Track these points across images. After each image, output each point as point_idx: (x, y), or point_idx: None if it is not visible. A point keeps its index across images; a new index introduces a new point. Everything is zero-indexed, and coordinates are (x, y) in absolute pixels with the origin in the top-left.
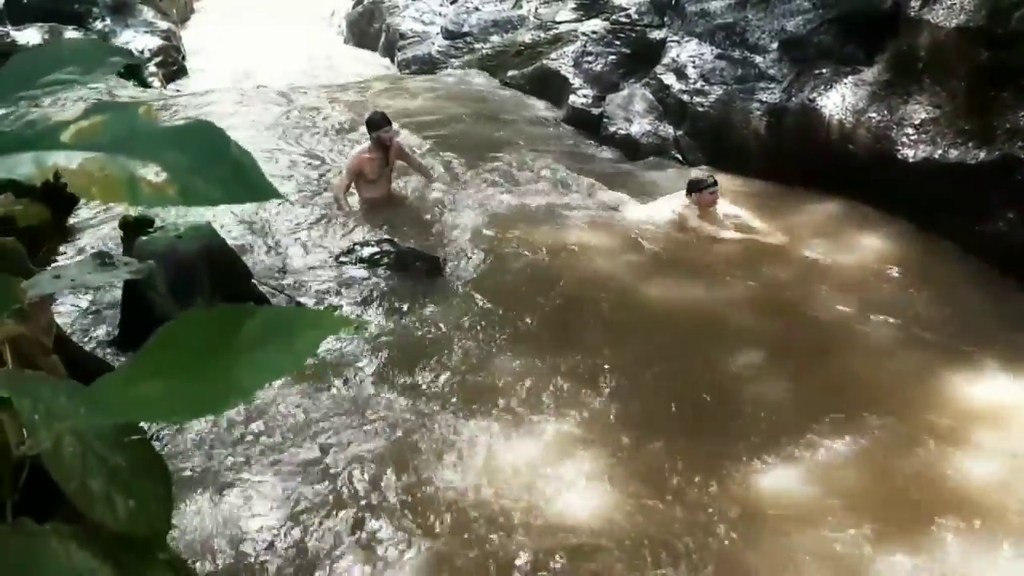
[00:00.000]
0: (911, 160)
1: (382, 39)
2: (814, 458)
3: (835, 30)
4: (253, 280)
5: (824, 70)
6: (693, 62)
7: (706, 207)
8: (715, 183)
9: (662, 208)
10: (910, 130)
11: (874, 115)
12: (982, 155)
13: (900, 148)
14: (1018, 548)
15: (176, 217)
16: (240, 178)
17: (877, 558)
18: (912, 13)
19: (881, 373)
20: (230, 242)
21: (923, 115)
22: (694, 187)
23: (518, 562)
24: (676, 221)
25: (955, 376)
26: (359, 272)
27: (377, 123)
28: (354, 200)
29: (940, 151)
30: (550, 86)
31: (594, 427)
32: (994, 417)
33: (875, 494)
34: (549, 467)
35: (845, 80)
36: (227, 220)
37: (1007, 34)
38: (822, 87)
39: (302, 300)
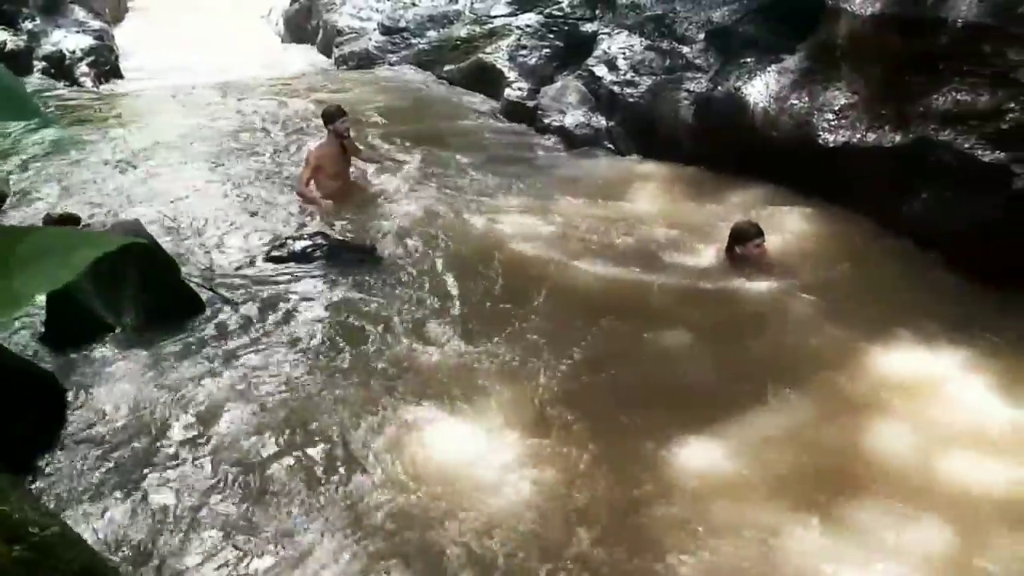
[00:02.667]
0: (831, 144)
1: (319, 36)
2: (737, 433)
3: (759, 20)
4: (182, 276)
5: (749, 59)
6: (623, 54)
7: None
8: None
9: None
10: (830, 115)
11: (796, 102)
12: (898, 138)
13: (821, 133)
14: (930, 513)
15: (104, 215)
16: (5, 99)
17: (795, 529)
18: (831, 3)
19: (803, 349)
20: (158, 238)
21: (842, 101)
22: (739, 238)
23: (448, 548)
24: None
25: (873, 350)
26: (291, 266)
27: (333, 115)
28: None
29: (859, 135)
30: (486, 80)
31: (523, 409)
32: (910, 388)
33: (795, 467)
34: (479, 450)
35: (769, 68)
36: (154, 216)
37: (921, 21)
38: (747, 76)
39: (231, 295)
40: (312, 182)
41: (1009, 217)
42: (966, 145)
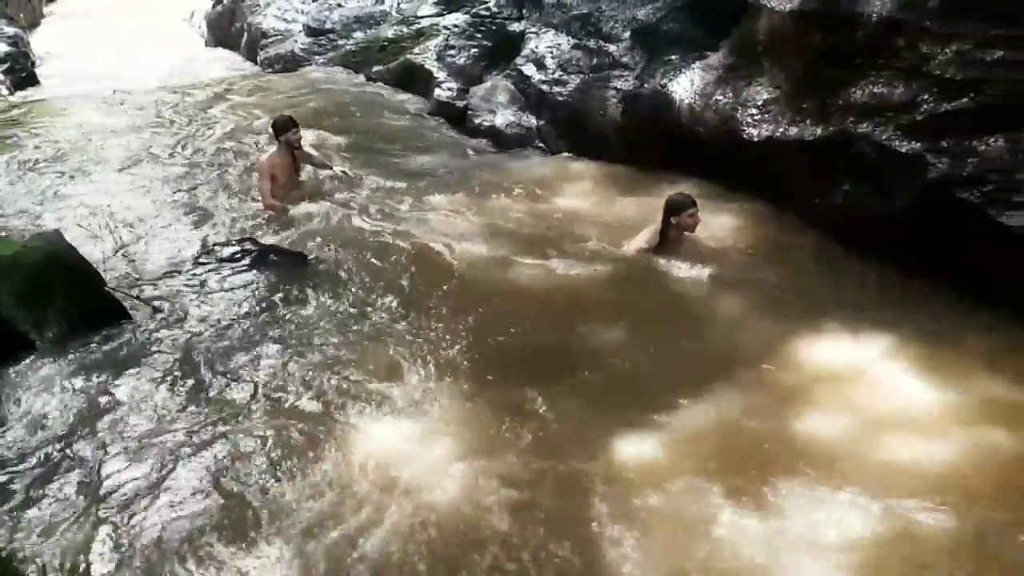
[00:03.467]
0: (755, 139)
1: (244, 39)
2: (670, 424)
3: (682, 17)
4: (106, 286)
5: (674, 56)
6: (551, 53)
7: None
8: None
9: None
10: (754, 111)
11: (721, 98)
12: (819, 131)
13: (745, 128)
14: (856, 497)
15: (21, 225)
16: None
17: (729, 515)
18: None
19: (732, 340)
20: (79, 247)
21: (765, 96)
22: (674, 209)
23: (382, 547)
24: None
25: (800, 340)
26: (218, 272)
27: (284, 126)
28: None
29: (781, 129)
30: (415, 80)
31: (457, 406)
32: (836, 375)
33: (727, 455)
34: (413, 448)
35: (693, 65)
36: (76, 228)
37: (837, 17)
38: (672, 73)
39: (157, 303)
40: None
41: (925, 205)
42: (883, 137)
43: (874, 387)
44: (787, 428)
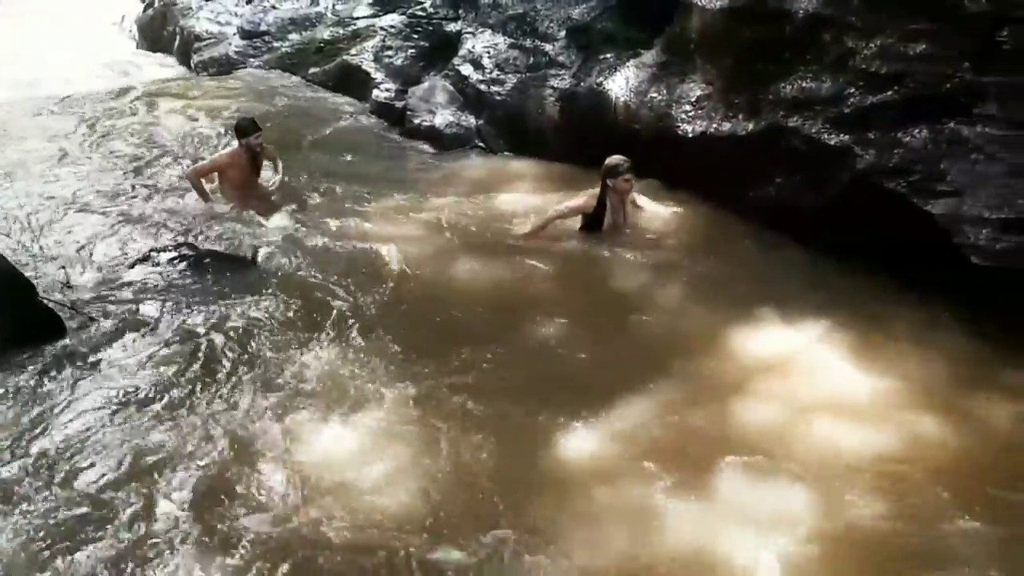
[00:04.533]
0: (690, 135)
1: (176, 42)
2: (613, 416)
3: (616, 16)
4: (39, 296)
5: (609, 55)
6: (488, 52)
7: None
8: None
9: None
10: (688, 107)
11: (655, 95)
12: (751, 126)
13: (680, 124)
14: (798, 480)
15: None
16: None
17: (673, 505)
18: None
19: (672, 333)
20: (9, 256)
21: (698, 92)
22: (611, 172)
23: (334, 550)
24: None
25: (738, 330)
26: (157, 279)
27: (246, 130)
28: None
29: (714, 125)
30: (352, 82)
31: (404, 408)
32: (774, 364)
33: (669, 446)
34: (362, 451)
35: (628, 64)
36: (2, 237)
37: (767, 12)
38: (608, 71)
39: (93, 313)
40: (217, 179)
41: (854, 196)
42: (813, 130)
43: (809, 373)
44: (726, 416)
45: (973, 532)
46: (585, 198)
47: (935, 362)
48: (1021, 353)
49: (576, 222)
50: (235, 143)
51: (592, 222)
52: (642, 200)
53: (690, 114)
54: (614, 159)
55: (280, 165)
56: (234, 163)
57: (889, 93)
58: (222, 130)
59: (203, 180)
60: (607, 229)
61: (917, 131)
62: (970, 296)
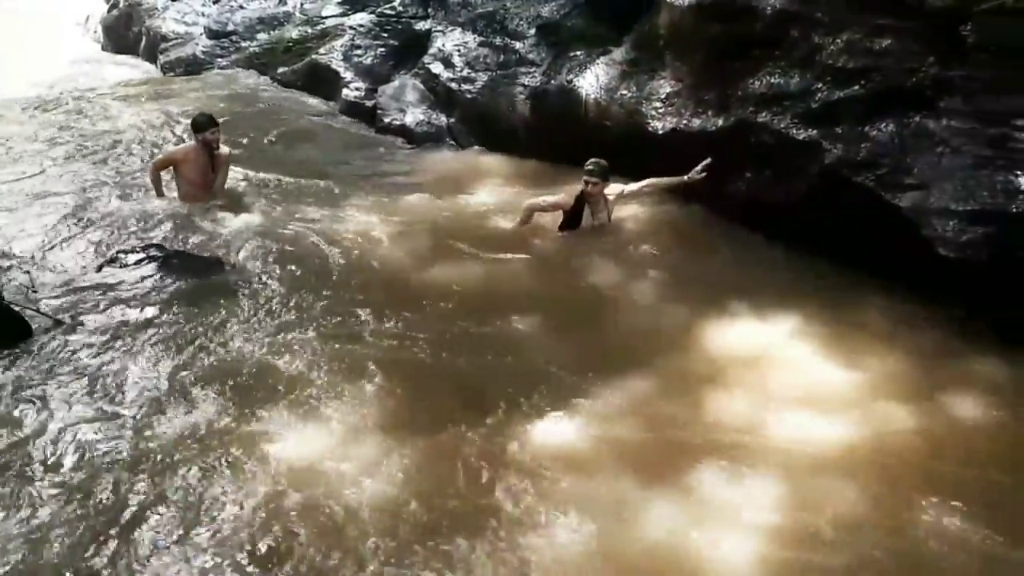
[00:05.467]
0: (660, 131)
1: (143, 43)
2: (587, 411)
3: (585, 14)
4: (4, 300)
5: (579, 52)
6: (458, 51)
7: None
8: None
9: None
10: (657, 104)
11: (626, 92)
12: (720, 122)
13: (650, 121)
14: (768, 472)
15: None
16: None
17: (645, 499)
18: None
19: (644, 328)
20: None
21: (668, 89)
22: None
23: (308, 547)
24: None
25: (710, 324)
26: (125, 281)
27: (202, 125)
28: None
29: (684, 121)
30: (322, 81)
31: (377, 405)
32: (746, 358)
33: (642, 440)
34: (336, 449)
35: (598, 61)
36: None
37: (736, 9)
38: (578, 68)
39: (60, 315)
40: (172, 174)
41: (822, 190)
42: (781, 125)
43: (780, 366)
44: (699, 410)
45: (942, 516)
46: (563, 195)
47: (904, 353)
48: (986, 342)
49: (556, 219)
50: (193, 139)
51: (571, 221)
52: (630, 188)
53: (660, 111)
54: (588, 162)
55: (227, 172)
56: (189, 159)
57: (856, 88)
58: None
59: (160, 173)
60: (585, 227)
61: (884, 125)
62: (938, 288)
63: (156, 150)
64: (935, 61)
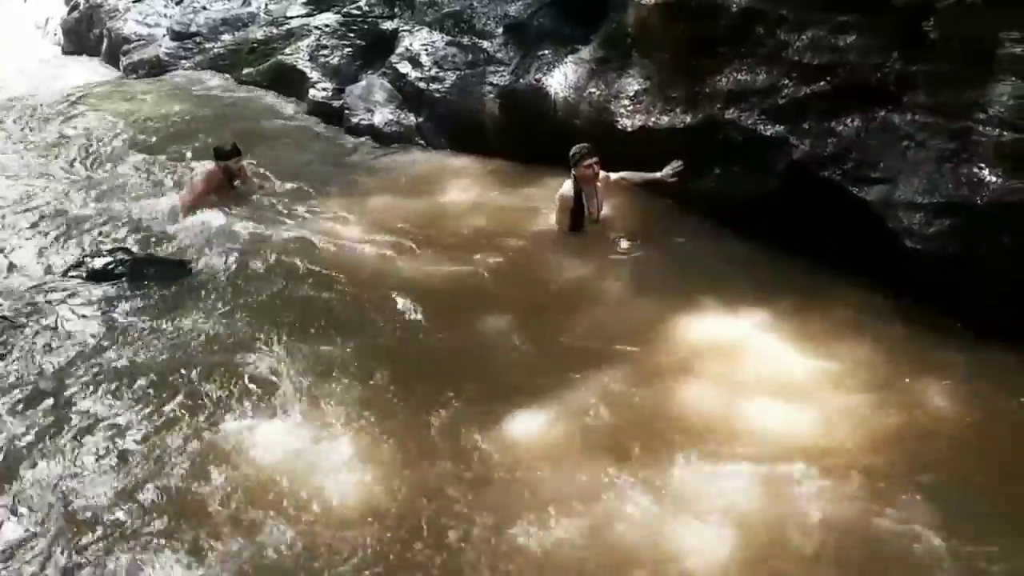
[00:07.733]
0: (629, 129)
1: (104, 45)
2: (563, 402)
3: (553, 13)
4: None
5: (547, 51)
6: (426, 50)
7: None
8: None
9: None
10: (626, 101)
11: (594, 90)
12: (688, 119)
13: (619, 119)
14: (739, 461)
15: None
16: None
17: (617, 490)
18: None
19: (616, 322)
20: None
21: (636, 87)
22: (572, 162)
23: (286, 545)
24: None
25: (680, 319)
26: (90, 285)
27: (226, 154)
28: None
29: (653, 119)
30: (288, 81)
31: (352, 404)
32: (716, 350)
33: (617, 429)
34: (312, 448)
35: (566, 59)
36: None
37: (702, 6)
38: (546, 67)
39: (23, 320)
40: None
41: (790, 184)
42: (749, 121)
43: (751, 358)
44: (670, 401)
45: (909, 502)
46: (561, 195)
47: (872, 345)
48: (952, 333)
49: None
50: (211, 164)
51: (576, 219)
52: (613, 176)
53: (629, 108)
54: (573, 148)
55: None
56: (214, 185)
57: (822, 84)
58: (158, 129)
59: (189, 211)
60: (590, 220)
61: (849, 120)
62: (905, 280)
63: (121, 153)
64: (899, 56)
